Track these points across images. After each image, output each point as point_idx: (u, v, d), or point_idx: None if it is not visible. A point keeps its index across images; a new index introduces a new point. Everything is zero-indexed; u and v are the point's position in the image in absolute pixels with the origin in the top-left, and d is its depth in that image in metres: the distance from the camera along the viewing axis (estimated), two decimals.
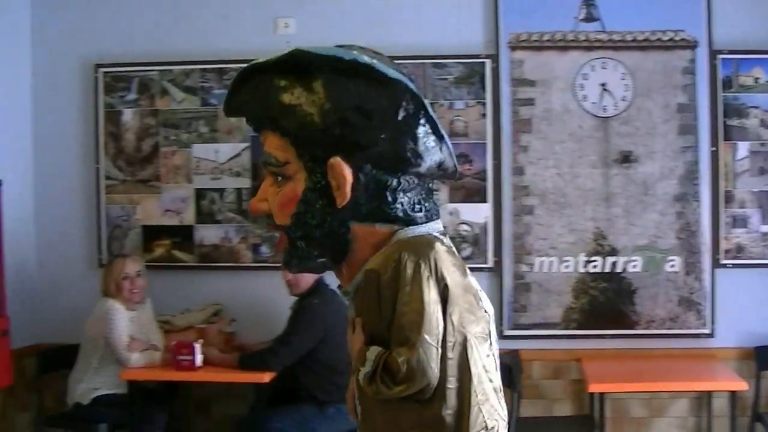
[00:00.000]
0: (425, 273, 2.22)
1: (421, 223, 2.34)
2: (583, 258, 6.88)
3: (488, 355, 2.28)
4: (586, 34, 6.90)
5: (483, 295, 2.34)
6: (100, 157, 7.26)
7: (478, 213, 6.92)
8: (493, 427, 2.22)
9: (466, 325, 2.25)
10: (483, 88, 6.90)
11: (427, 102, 2.28)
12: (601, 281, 6.89)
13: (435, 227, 2.36)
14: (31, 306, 7.15)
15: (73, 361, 6.83)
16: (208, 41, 7.04)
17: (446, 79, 6.92)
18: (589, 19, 6.90)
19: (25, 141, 7.29)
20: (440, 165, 2.37)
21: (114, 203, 7.26)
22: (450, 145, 2.36)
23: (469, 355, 2.24)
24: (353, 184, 2.27)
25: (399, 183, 2.31)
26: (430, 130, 2.32)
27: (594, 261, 6.88)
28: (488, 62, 6.90)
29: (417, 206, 2.33)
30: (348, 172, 2.26)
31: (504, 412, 2.26)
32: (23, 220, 7.19)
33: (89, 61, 7.19)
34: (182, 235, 7.14)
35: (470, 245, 6.88)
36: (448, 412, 2.20)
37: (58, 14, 7.32)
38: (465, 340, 2.24)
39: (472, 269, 2.36)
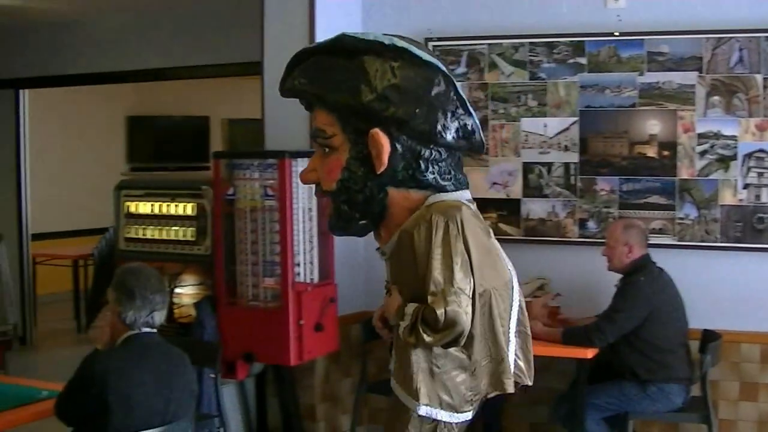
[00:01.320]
0: (453, 232, 2.60)
1: (451, 191, 2.71)
2: None
3: (505, 308, 2.77)
4: None
5: (505, 256, 2.82)
6: None
7: None
8: (503, 359, 2.84)
9: (489, 279, 2.69)
10: None
11: (457, 82, 2.65)
12: None
13: (463, 195, 2.74)
14: (358, 274, 7.32)
15: None
16: (538, 15, 6.93)
17: None
18: None
19: None
20: (468, 139, 2.71)
21: None
22: (477, 121, 2.70)
23: (493, 306, 2.70)
24: (390, 153, 2.63)
25: (431, 153, 2.66)
26: (459, 107, 2.64)
27: None
28: None
29: (447, 175, 2.70)
30: (386, 142, 2.62)
31: (510, 351, 2.91)
32: None
33: (420, 34, 7.21)
34: (508, 209, 7.07)
35: None
36: (476, 355, 2.71)
37: None
38: (489, 292, 2.68)
39: None
